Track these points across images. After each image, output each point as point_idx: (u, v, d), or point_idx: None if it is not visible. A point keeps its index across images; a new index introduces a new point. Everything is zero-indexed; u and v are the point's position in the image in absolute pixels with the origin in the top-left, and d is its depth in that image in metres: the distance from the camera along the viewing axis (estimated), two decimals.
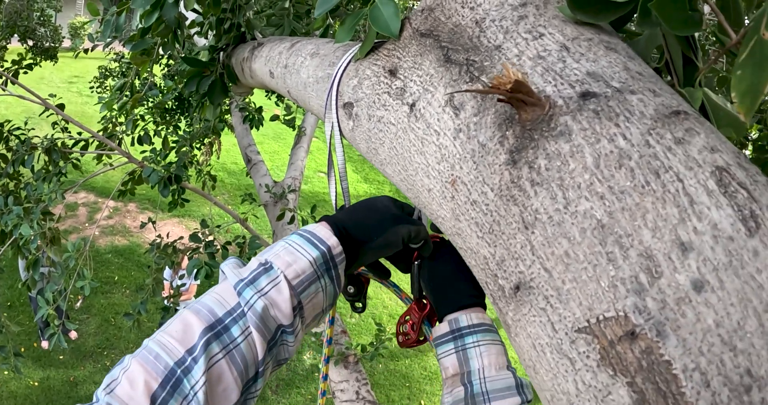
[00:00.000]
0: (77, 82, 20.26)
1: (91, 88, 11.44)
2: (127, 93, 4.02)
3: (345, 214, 1.11)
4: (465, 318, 1.13)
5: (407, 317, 1.36)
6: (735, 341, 0.54)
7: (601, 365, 0.61)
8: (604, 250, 0.63)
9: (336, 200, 1.42)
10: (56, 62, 11.01)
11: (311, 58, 1.58)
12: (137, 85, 4.12)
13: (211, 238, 4.06)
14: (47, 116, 4.92)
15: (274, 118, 5.82)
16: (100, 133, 4.88)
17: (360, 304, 1.45)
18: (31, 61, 5.10)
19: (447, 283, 1.20)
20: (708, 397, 0.53)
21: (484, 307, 1.17)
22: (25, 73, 4.98)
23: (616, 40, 0.88)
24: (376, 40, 1.20)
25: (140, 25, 2.45)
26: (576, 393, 0.64)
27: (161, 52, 3.16)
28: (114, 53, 10.33)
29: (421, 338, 1.33)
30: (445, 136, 0.89)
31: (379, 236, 1.09)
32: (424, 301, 1.34)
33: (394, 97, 1.06)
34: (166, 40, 2.64)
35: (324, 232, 1.02)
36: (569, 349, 0.65)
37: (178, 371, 0.82)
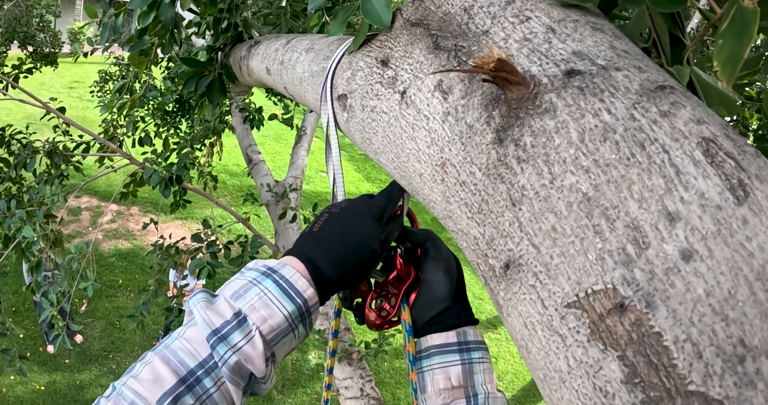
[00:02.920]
0: (77, 87, 20.31)
1: (92, 92, 11.44)
2: (127, 95, 4.03)
3: (318, 248, 1.04)
4: (472, 332, 1.13)
5: (381, 291, 1.28)
6: (726, 311, 0.53)
7: (592, 340, 0.61)
8: (590, 223, 0.63)
9: (334, 193, 1.41)
10: (56, 67, 11.04)
11: (306, 53, 1.59)
12: (137, 86, 4.14)
13: (213, 238, 4.07)
14: (48, 120, 4.93)
15: (273, 117, 5.83)
16: (101, 135, 4.89)
17: (359, 319, 1.41)
18: (32, 65, 5.11)
19: (448, 297, 1.16)
20: (701, 369, 0.53)
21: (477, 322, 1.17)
22: (26, 77, 5.00)
23: (602, 21, 0.88)
24: (368, 33, 1.21)
25: (138, 27, 2.46)
26: (568, 370, 0.64)
27: (160, 53, 3.17)
28: (114, 57, 10.35)
29: (395, 319, 1.22)
30: (434, 120, 0.90)
31: (351, 270, 1.05)
32: (403, 267, 1.22)
33: (386, 86, 1.06)
34: (163, 40, 2.65)
35: (301, 282, 0.97)
36: (559, 325, 0.65)
37: None
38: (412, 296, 1.20)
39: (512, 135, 0.75)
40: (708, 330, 0.53)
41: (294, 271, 0.98)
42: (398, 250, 1.23)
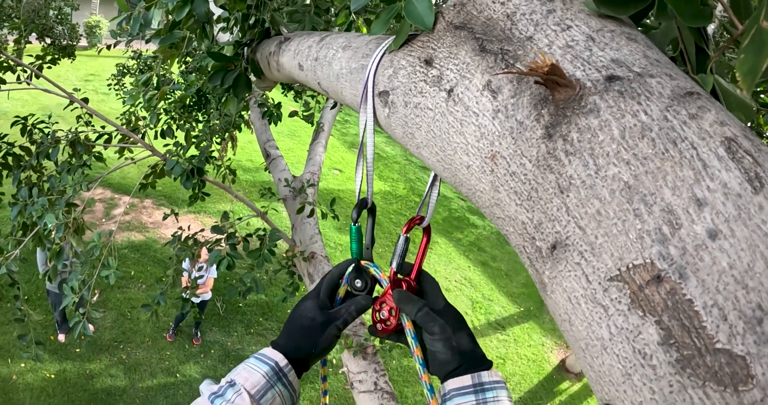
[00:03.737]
0: (93, 81, 20.40)
1: (109, 85, 11.53)
2: (154, 87, 4.09)
3: (284, 340, 1.34)
4: (487, 374, 1.24)
5: (382, 303, 1.41)
6: (746, 280, 0.64)
7: (632, 308, 0.71)
8: (631, 208, 0.74)
9: (359, 191, 1.49)
10: (74, 60, 11.11)
11: (343, 51, 1.67)
12: (157, 79, 4.19)
13: (232, 230, 4.13)
14: (71, 110, 4.98)
15: (293, 114, 5.88)
16: (123, 127, 4.94)
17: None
18: (55, 55, 5.17)
19: (470, 340, 1.30)
20: (726, 329, 0.64)
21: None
22: (49, 67, 5.05)
23: (635, 31, 0.98)
24: (409, 33, 1.29)
25: (162, 22, 2.52)
26: (609, 337, 0.75)
27: (189, 47, 3.23)
28: (132, 51, 10.42)
29: (399, 327, 1.39)
30: (484, 116, 0.99)
31: (315, 347, 1.33)
32: (400, 279, 1.40)
33: (431, 84, 1.16)
34: (194, 34, 2.72)
35: (271, 352, 1.30)
36: (602, 297, 0.75)
37: None
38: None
39: (560, 131, 0.86)
40: (731, 297, 0.64)
41: (267, 348, 1.33)
42: (392, 267, 1.41)
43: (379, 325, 1.41)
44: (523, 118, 0.92)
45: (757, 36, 0.76)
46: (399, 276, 1.41)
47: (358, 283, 1.46)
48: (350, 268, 1.47)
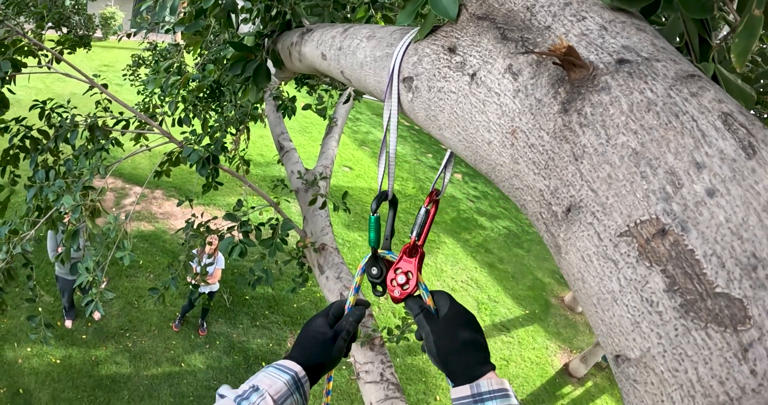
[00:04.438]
0: (107, 72, 20.46)
1: (124, 75, 11.61)
2: (175, 73, 4.14)
3: (300, 353, 1.46)
4: (486, 383, 1.29)
5: (397, 269, 1.52)
6: (741, 232, 0.74)
7: (640, 260, 0.81)
8: (638, 171, 0.84)
9: (381, 182, 1.60)
10: (89, 50, 11.20)
11: (368, 40, 1.76)
12: (179, 66, 4.24)
13: (245, 218, 4.17)
14: (90, 96, 5.03)
15: (307, 107, 5.95)
16: (141, 113, 4.98)
17: (381, 288, 1.59)
18: (74, 41, 5.21)
19: (460, 348, 1.36)
20: (724, 275, 0.73)
21: (494, 368, 1.34)
22: (69, 53, 5.10)
23: (644, 23, 1.08)
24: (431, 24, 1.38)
25: (180, 12, 2.58)
26: (619, 289, 0.84)
27: (208, 37, 3.29)
28: (148, 42, 10.49)
29: (416, 290, 1.50)
30: (506, 96, 1.09)
31: (328, 358, 1.46)
32: (410, 248, 1.51)
33: (455, 69, 1.26)
34: (218, 23, 2.78)
35: (291, 363, 1.40)
36: (613, 252, 0.85)
37: None
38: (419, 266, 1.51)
39: (575, 106, 0.95)
40: (728, 246, 0.74)
41: (286, 360, 1.43)
42: (412, 236, 1.52)
43: (397, 291, 1.51)
44: (541, 95, 1.02)
45: (749, 23, 0.90)
46: (417, 243, 1.50)
47: (374, 270, 1.56)
48: (366, 258, 1.59)
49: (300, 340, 1.51)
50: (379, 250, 1.57)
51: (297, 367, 1.39)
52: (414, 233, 1.51)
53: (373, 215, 1.55)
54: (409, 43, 1.47)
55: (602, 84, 0.94)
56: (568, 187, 0.94)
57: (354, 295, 1.62)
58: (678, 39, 1.29)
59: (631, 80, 0.92)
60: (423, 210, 1.51)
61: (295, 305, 11.27)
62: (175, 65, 4.19)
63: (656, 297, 0.78)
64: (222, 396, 1.31)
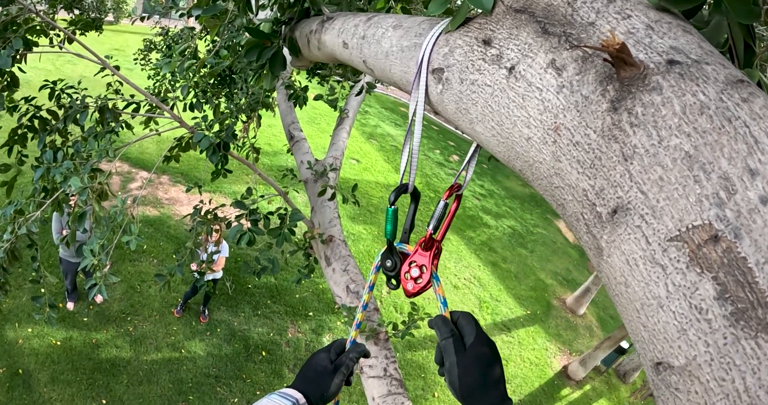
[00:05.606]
0: (117, 56, 20.46)
1: (135, 60, 11.62)
2: (191, 56, 4.11)
3: (302, 384, 1.56)
4: None
5: (411, 262, 1.49)
6: None
7: (690, 266, 0.78)
8: (691, 174, 0.81)
9: (403, 173, 1.55)
10: (101, 33, 11.21)
11: (394, 30, 1.73)
12: (194, 49, 4.21)
13: (254, 206, 4.15)
14: (102, 77, 5.00)
15: (318, 97, 5.91)
16: (153, 96, 4.94)
17: (395, 282, 1.57)
18: (87, 22, 5.18)
19: (484, 385, 1.31)
20: None
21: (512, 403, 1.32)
22: (81, 34, 5.06)
23: (689, 26, 1.05)
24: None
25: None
26: (666, 295, 0.81)
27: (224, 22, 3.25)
28: (160, 28, 10.49)
29: (429, 285, 1.47)
30: (548, 91, 1.06)
31: (327, 390, 1.54)
32: (426, 241, 1.47)
33: (490, 62, 1.22)
34: (237, 7, 2.74)
35: (293, 391, 1.50)
36: (661, 256, 0.82)
37: None
38: (436, 262, 1.48)
39: (625, 105, 0.93)
40: None
41: (288, 388, 1.53)
42: (429, 228, 1.46)
43: (410, 284, 1.48)
44: (588, 93, 0.99)
45: None
46: (434, 237, 1.47)
47: (389, 263, 1.54)
48: (380, 256, 1.57)
49: (303, 371, 1.61)
50: (395, 243, 1.54)
51: (298, 395, 1.50)
52: (431, 226, 1.46)
53: (390, 207, 1.52)
54: (440, 33, 1.44)
55: (653, 84, 0.91)
56: (616, 188, 0.91)
57: (356, 331, 1.69)
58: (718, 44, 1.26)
59: (682, 81, 0.89)
60: (442, 203, 1.47)
61: (297, 296, 11.27)
62: (189, 50, 4.15)
63: (706, 304, 0.76)
64: None
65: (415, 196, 1.58)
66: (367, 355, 1.64)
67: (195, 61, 4.02)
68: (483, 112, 1.24)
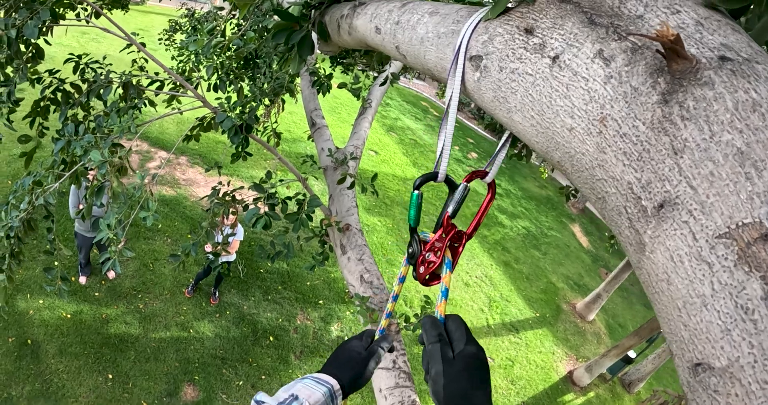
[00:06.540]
0: (142, 35, 20.48)
1: (160, 40, 11.66)
2: (219, 35, 4.09)
3: (335, 369, 1.53)
4: None
5: (431, 247, 1.47)
6: None
7: (738, 264, 0.76)
8: (742, 171, 0.79)
9: (439, 158, 1.51)
10: (126, 12, 11.22)
11: (430, 16, 1.71)
12: (223, 28, 4.19)
13: (273, 190, 4.13)
14: (128, 53, 4.98)
15: (342, 85, 5.89)
16: (178, 75, 4.93)
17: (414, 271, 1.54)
18: None
19: (470, 398, 1.22)
20: None
21: None
22: (110, 10, 5.05)
23: (737, 25, 1.04)
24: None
25: None
26: (711, 293, 0.79)
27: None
28: (186, 9, 10.52)
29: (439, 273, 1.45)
30: (595, 81, 1.05)
31: (360, 376, 1.54)
32: (448, 224, 1.45)
33: (532, 51, 1.21)
34: None
35: (328, 377, 1.48)
36: (708, 254, 0.80)
37: None
38: (459, 250, 1.48)
39: (677, 98, 0.91)
40: None
41: (322, 373, 1.51)
42: (446, 211, 1.45)
43: (422, 268, 1.47)
44: (638, 84, 0.97)
45: None
46: (452, 221, 1.45)
47: (410, 249, 1.52)
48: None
49: (336, 356, 1.60)
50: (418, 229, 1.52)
51: (333, 381, 1.47)
52: (450, 208, 1.44)
53: (415, 191, 1.49)
54: (479, 21, 1.42)
55: (705, 78, 0.90)
56: (664, 181, 0.89)
57: (386, 320, 1.71)
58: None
59: (734, 78, 0.88)
60: (462, 185, 1.44)
61: (308, 283, 11.28)
62: (218, 28, 4.14)
63: (753, 304, 0.74)
64: (261, 402, 1.35)
65: (451, 183, 1.54)
66: (392, 349, 1.68)
67: (223, 39, 4.00)
68: (523, 101, 1.23)
